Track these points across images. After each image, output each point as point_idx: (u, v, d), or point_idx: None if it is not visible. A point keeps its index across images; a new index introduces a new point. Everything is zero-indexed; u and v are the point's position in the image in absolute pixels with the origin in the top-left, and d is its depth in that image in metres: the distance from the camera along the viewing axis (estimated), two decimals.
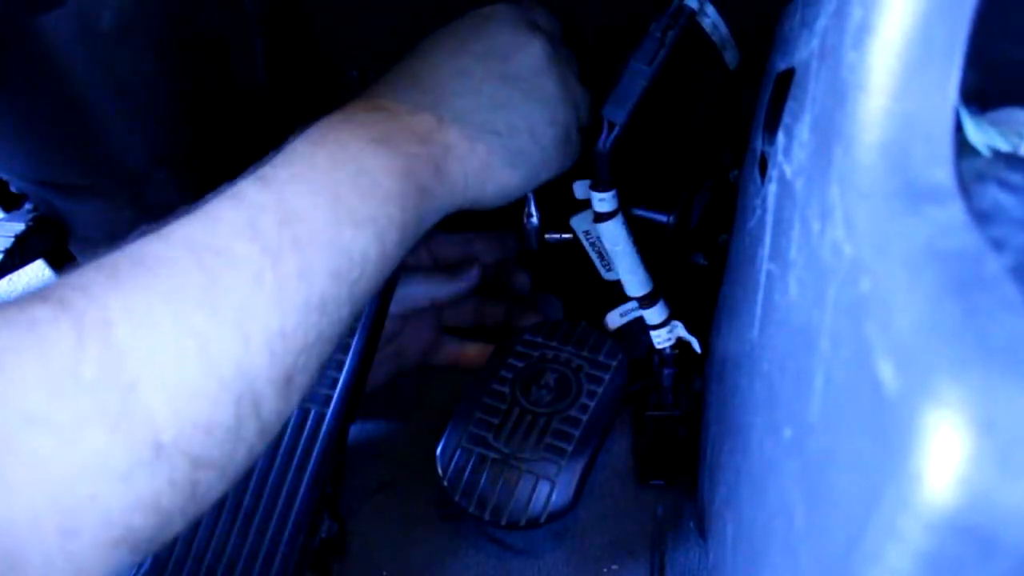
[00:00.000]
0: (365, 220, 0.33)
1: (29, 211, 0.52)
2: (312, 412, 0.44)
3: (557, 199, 0.48)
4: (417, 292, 0.51)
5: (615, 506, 0.49)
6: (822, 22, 0.28)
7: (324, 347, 0.32)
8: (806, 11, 0.31)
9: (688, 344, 0.48)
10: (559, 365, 0.51)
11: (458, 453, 0.48)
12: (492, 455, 0.47)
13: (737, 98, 0.45)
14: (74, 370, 0.26)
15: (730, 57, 0.44)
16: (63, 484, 0.25)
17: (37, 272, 0.59)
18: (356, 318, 0.35)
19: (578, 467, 0.46)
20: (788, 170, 0.30)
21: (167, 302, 0.28)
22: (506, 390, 0.50)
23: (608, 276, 0.50)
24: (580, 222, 0.49)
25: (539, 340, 0.52)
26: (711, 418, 0.44)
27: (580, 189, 0.46)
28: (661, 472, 0.49)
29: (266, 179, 0.32)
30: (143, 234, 0.30)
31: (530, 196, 0.50)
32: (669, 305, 0.48)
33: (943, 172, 0.21)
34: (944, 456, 0.17)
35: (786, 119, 0.31)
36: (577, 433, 0.47)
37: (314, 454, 0.43)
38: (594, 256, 0.50)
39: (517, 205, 0.50)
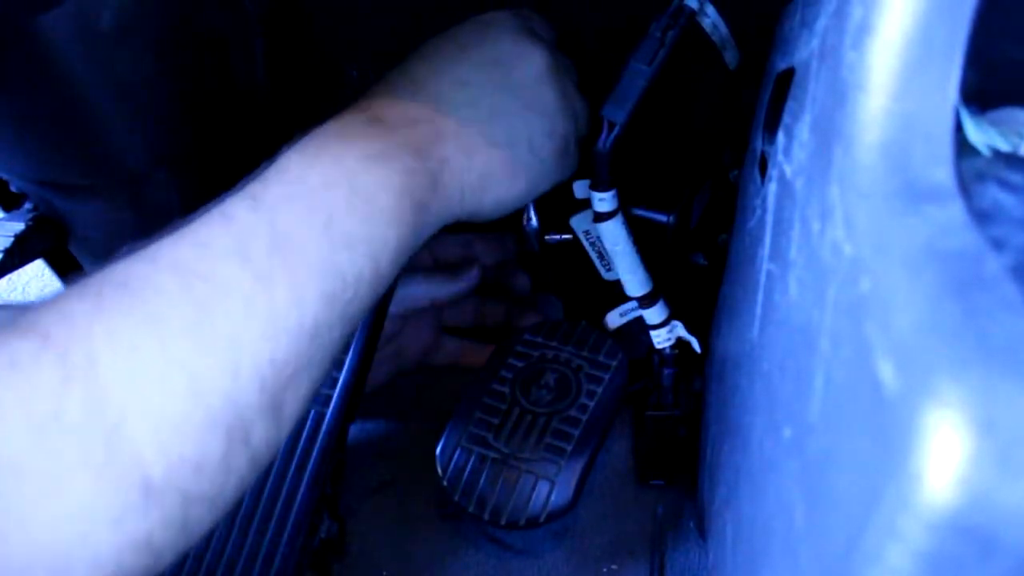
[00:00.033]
0: (359, 241, 0.32)
1: (29, 211, 0.52)
2: (312, 412, 0.44)
3: (557, 199, 0.48)
4: (417, 292, 0.51)
5: (615, 506, 0.49)
6: (822, 22, 0.28)
7: (316, 371, 0.31)
8: (806, 11, 0.31)
9: (688, 344, 0.48)
10: (559, 365, 0.51)
11: (458, 453, 0.48)
12: (492, 455, 0.47)
13: (737, 98, 0.45)
14: (58, 413, 0.25)
15: (730, 57, 0.44)
16: (51, 529, 0.25)
17: (37, 272, 0.59)
18: (350, 337, 0.34)
19: (578, 467, 0.46)
20: (788, 170, 0.30)
21: (154, 333, 0.27)
22: (506, 390, 0.50)
23: (608, 276, 0.50)
24: (580, 222, 0.49)
25: (539, 340, 0.52)
26: (711, 418, 0.44)
27: (580, 189, 0.46)
28: (661, 472, 0.49)
29: (257, 199, 0.31)
30: (130, 252, 0.30)
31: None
32: (669, 305, 0.48)
33: (943, 172, 0.21)
34: (944, 456, 0.17)
35: (786, 119, 0.31)
36: (577, 433, 0.47)
37: (314, 454, 0.43)
38: (594, 256, 0.50)
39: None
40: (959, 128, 0.24)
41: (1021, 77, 0.26)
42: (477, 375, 0.51)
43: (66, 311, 0.27)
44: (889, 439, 0.18)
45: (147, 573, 0.27)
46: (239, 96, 0.51)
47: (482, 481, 0.46)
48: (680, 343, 0.48)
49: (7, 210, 0.53)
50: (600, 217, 0.45)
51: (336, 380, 0.44)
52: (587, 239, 0.49)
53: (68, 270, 0.59)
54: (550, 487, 0.46)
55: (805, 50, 0.30)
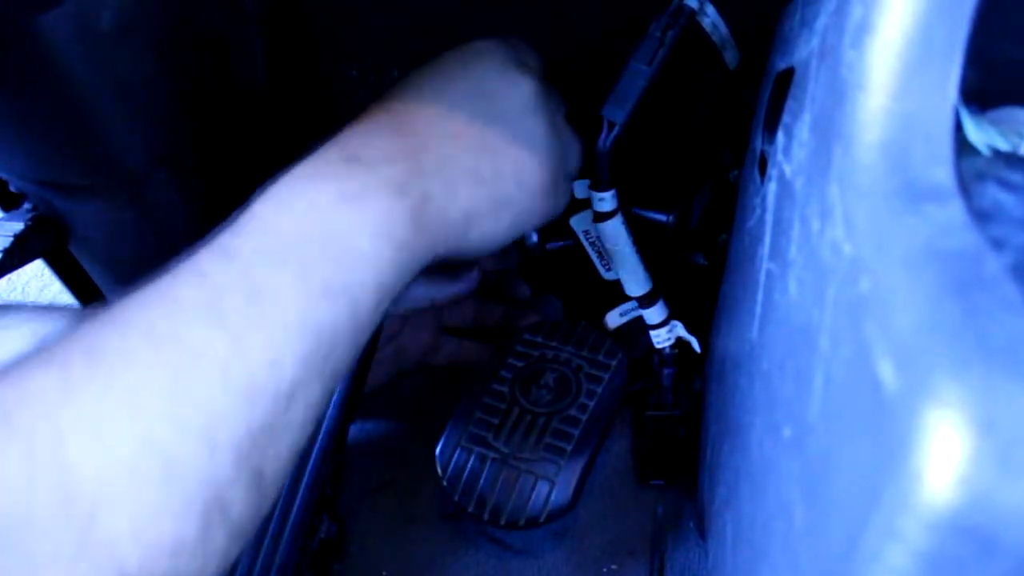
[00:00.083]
0: (337, 290, 0.30)
1: (28, 211, 0.52)
2: None
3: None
4: (417, 293, 0.51)
5: (615, 506, 0.49)
6: (822, 21, 0.28)
7: (297, 434, 0.30)
8: (806, 10, 0.31)
9: (688, 344, 0.48)
10: (559, 365, 0.51)
11: (458, 453, 0.48)
12: (492, 455, 0.47)
13: (737, 98, 0.45)
14: (27, 509, 0.24)
15: (730, 57, 0.44)
16: None
17: (37, 272, 0.59)
18: (331, 396, 0.32)
19: (577, 467, 0.46)
20: (788, 169, 0.30)
21: (126, 410, 0.26)
22: (506, 390, 0.50)
23: (608, 276, 0.50)
24: (580, 222, 0.49)
25: (539, 340, 0.52)
26: (711, 418, 0.44)
27: (580, 189, 0.46)
28: (661, 472, 0.49)
29: (229, 252, 0.30)
30: (97, 313, 0.28)
31: None
32: (669, 305, 0.48)
33: (943, 171, 0.21)
34: (944, 456, 0.17)
35: (786, 118, 0.31)
36: (576, 433, 0.47)
37: (314, 454, 0.43)
38: (594, 256, 0.50)
39: None
40: (959, 128, 0.24)
41: (1021, 77, 0.26)
42: (477, 375, 0.51)
43: (30, 389, 0.26)
44: (889, 439, 0.18)
45: None
46: (239, 96, 0.51)
47: (482, 481, 0.46)
48: (680, 343, 0.48)
49: (6, 210, 0.53)
50: (600, 217, 0.45)
51: None
52: (587, 239, 0.49)
53: (68, 270, 0.59)
54: (550, 487, 0.46)
55: (805, 49, 0.30)
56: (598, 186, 0.43)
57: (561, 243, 0.51)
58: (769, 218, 0.32)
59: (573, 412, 0.48)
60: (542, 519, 0.45)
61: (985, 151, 0.24)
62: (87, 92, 0.42)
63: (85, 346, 0.27)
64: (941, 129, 0.22)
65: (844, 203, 0.23)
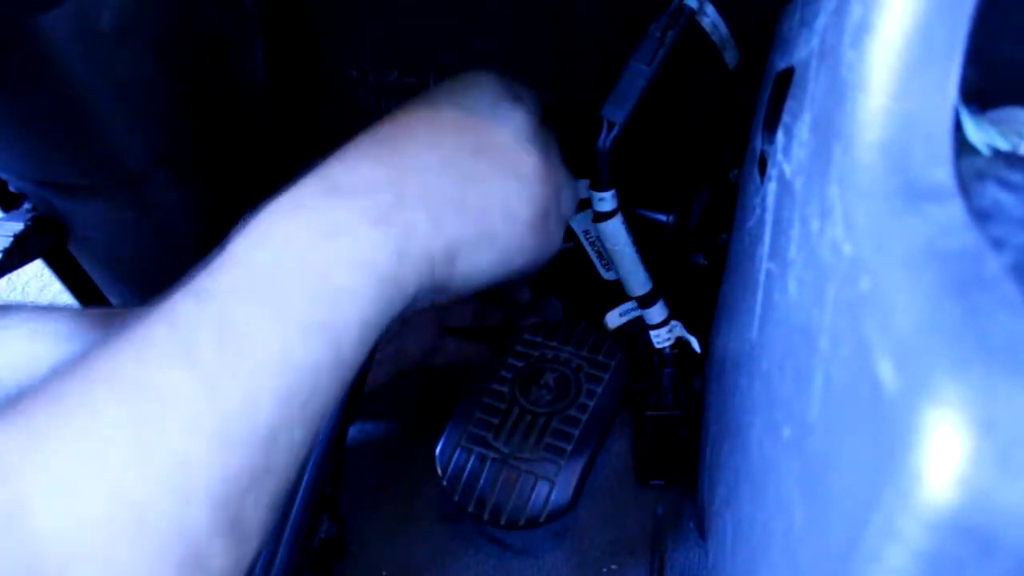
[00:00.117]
0: (316, 327, 0.29)
1: (28, 211, 0.52)
2: None
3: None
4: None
5: (615, 506, 0.49)
6: (822, 21, 0.28)
7: (278, 478, 0.28)
8: (806, 10, 0.31)
9: (688, 344, 0.48)
10: (559, 365, 0.51)
11: (458, 453, 0.48)
12: (492, 455, 0.47)
13: (737, 98, 0.45)
14: None
15: (730, 57, 0.44)
16: None
17: (36, 272, 0.59)
18: (315, 437, 0.31)
19: (577, 467, 0.46)
20: (787, 169, 0.30)
21: (94, 465, 0.25)
22: (506, 390, 0.50)
23: (608, 276, 0.50)
24: (580, 222, 0.49)
25: (539, 340, 0.52)
26: (711, 418, 0.44)
27: (580, 189, 0.46)
28: (661, 472, 0.49)
29: (201, 292, 0.29)
30: (66, 365, 0.26)
31: None
32: (669, 305, 0.48)
33: (943, 171, 0.21)
34: (944, 456, 0.17)
35: (785, 118, 0.31)
36: (576, 433, 0.47)
37: (314, 454, 0.43)
38: (594, 256, 0.50)
39: None
40: (959, 127, 0.24)
41: (1021, 77, 0.26)
42: (477, 375, 0.51)
43: None
44: (889, 439, 0.18)
45: None
46: (239, 96, 0.51)
47: (482, 481, 0.46)
48: (680, 343, 0.48)
49: (6, 210, 0.53)
50: (600, 217, 0.45)
51: None
52: (587, 239, 0.49)
53: (68, 270, 0.59)
54: (550, 487, 0.46)
55: (805, 49, 0.30)
56: (598, 186, 0.43)
57: (561, 245, 0.51)
58: (769, 218, 0.32)
59: (573, 412, 0.48)
60: (542, 519, 0.45)
61: (985, 151, 0.24)
62: (87, 92, 0.42)
63: (50, 398, 0.26)
64: (941, 129, 0.22)
65: (844, 203, 0.23)
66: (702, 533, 0.46)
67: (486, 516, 0.46)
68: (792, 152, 0.29)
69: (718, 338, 0.44)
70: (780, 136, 0.32)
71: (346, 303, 0.30)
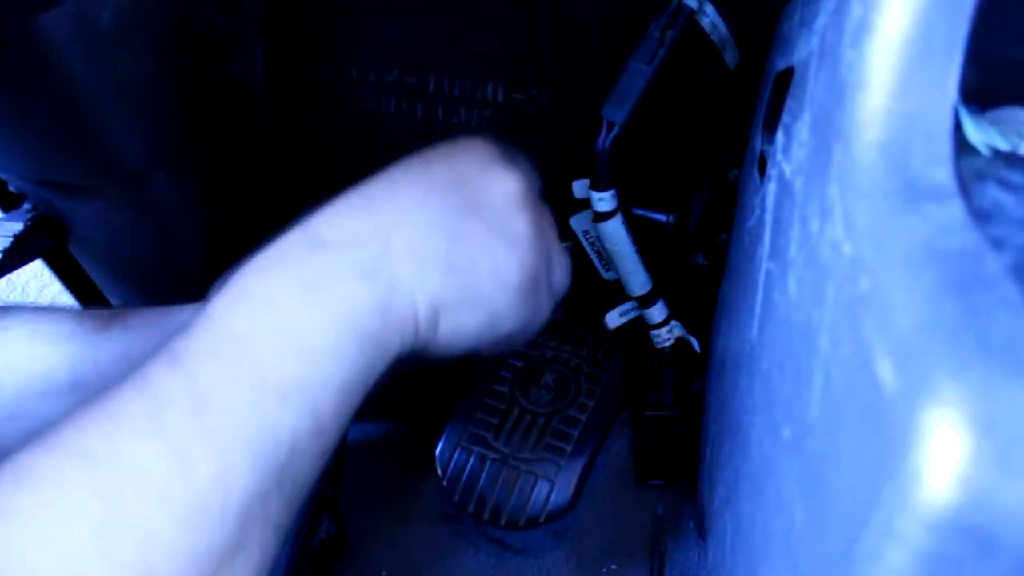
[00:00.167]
0: (295, 392, 0.28)
1: (28, 211, 0.52)
2: None
3: (557, 199, 0.48)
4: None
5: (615, 506, 0.49)
6: (821, 21, 0.28)
7: (257, 555, 0.27)
8: (806, 10, 0.31)
9: (688, 344, 0.48)
10: (558, 365, 0.51)
11: (458, 453, 0.48)
12: (491, 455, 0.47)
13: (737, 98, 0.45)
14: None
15: (730, 57, 0.44)
16: None
17: (36, 272, 0.59)
18: (296, 507, 0.29)
19: (577, 467, 0.46)
20: (787, 169, 0.30)
21: (57, 542, 0.24)
22: (505, 390, 0.50)
23: (607, 276, 0.50)
24: (579, 222, 0.49)
25: (538, 340, 0.52)
26: (711, 418, 0.44)
27: (579, 189, 0.46)
28: (661, 472, 0.49)
29: (175, 357, 0.27)
30: (41, 436, 0.26)
31: None
32: (669, 305, 0.48)
33: (943, 171, 0.21)
34: (943, 456, 0.16)
35: (785, 118, 0.31)
36: (576, 433, 0.47)
37: None
38: (593, 256, 0.50)
39: None
40: (959, 127, 0.24)
41: (1021, 77, 0.26)
42: (477, 375, 0.51)
43: None
44: (888, 439, 0.18)
45: None
46: (239, 96, 0.51)
47: (482, 481, 0.46)
48: (680, 343, 0.48)
49: (6, 210, 0.53)
50: (600, 217, 0.45)
51: None
52: (587, 239, 0.49)
53: (68, 270, 0.59)
54: (550, 487, 0.46)
55: (804, 49, 0.30)
56: (598, 186, 0.43)
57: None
58: (769, 218, 0.32)
59: (573, 412, 0.48)
60: (542, 519, 0.45)
61: (985, 151, 0.24)
62: (87, 92, 0.42)
63: (14, 471, 0.25)
64: (941, 129, 0.22)
65: (844, 203, 0.23)
66: (702, 533, 0.46)
67: (486, 516, 0.46)
68: (792, 152, 0.29)
69: (718, 338, 0.44)
70: (780, 136, 0.32)
71: (326, 363, 0.29)
